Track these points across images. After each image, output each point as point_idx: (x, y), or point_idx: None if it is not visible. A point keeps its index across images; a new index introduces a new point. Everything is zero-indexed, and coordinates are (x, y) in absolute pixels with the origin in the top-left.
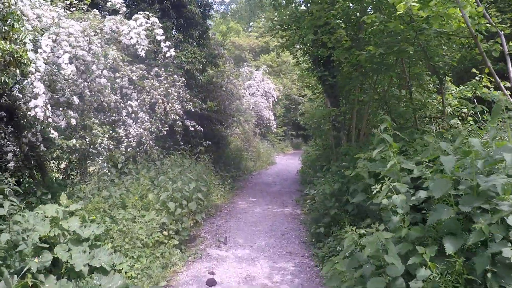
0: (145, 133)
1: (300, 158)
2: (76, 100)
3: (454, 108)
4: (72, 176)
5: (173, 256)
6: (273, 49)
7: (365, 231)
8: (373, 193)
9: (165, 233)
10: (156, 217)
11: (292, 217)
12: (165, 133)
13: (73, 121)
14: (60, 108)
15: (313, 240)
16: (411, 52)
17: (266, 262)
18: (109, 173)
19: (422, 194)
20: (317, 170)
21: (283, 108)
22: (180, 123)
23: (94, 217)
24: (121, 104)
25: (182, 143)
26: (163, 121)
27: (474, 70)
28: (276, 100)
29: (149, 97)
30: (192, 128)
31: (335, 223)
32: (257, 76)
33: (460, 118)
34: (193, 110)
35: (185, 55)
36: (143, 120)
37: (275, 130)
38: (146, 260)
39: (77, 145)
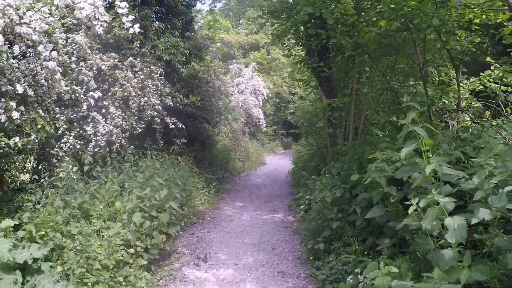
0: (116, 130)
1: (291, 158)
2: (20, 88)
3: (467, 102)
4: (36, 182)
5: (139, 280)
6: (263, 46)
7: (398, 268)
8: (399, 208)
9: (131, 250)
10: (121, 231)
11: (284, 225)
12: (140, 131)
13: (15, 115)
14: (2, 99)
15: (310, 257)
16: (433, 27)
17: (254, 286)
18: (74, 177)
19: (484, 214)
20: (311, 171)
21: (273, 106)
22: (159, 120)
23: (44, 233)
24: (81, 96)
25: (162, 143)
26: (137, 117)
27: (488, 59)
28: (266, 98)
29: (121, 89)
30: (173, 126)
31: (337, 238)
32: (247, 73)
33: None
34: (172, 105)
35: (164, 44)
36: (113, 115)
37: (265, 129)
38: (104, 287)
39: (19, 144)
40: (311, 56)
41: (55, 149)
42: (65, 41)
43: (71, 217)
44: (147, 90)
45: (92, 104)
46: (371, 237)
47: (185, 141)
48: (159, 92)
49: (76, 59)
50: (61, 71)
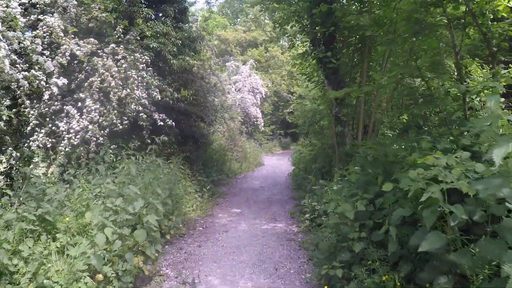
0: (91, 126)
1: (290, 159)
2: None
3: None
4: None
5: None
6: (261, 44)
7: None
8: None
9: (99, 277)
10: (89, 251)
11: (287, 237)
12: (122, 128)
13: None
14: None
15: (325, 286)
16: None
17: None
18: (43, 180)
19: None
20: (315, 174)
21: (271, 105)
22: (145, 116)
23: None
24: (42, 83)
25: (149, 141)
26: (118, 112)
27: None
28: (264, 96)
29: (99, 79)
30: (162, 123)
31: (358, 262)
32: (244, 71)
33: None
34: (160, 99)
35: (151, 30)
36: (89, 109)
37: (263, 128)
38: None
39: None
40: (317, 46)
41: (24, 147)
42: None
43: (29, 233)
44: (130, 81)
45: (56, 93)
46: (406, 264)
47: (166, 138)
48: (145, 84)
49: (47, 43)
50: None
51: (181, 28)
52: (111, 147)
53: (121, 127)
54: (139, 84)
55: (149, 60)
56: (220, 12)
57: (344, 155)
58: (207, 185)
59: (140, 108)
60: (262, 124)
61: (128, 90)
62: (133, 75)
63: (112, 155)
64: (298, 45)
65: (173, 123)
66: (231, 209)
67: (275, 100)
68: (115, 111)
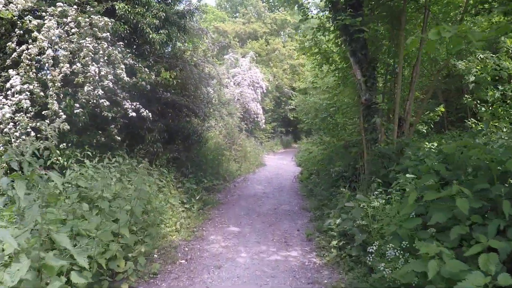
0: (18, 116)
1: (294, 158)
2: None
3: None
4: None
5: None
6: (262, 36)
7: None
8: None
9: None
10: None
11: (307, 277)
12: (81, 118)
13: None
14: None
15: None
16: None
17: None
18: None
19: None
20: (335, 180)
21: (272, 101)
22: (107, 103)
23: None
24: None
25: (119, 139)
26: (62, 96)
27: None
28: (265, 91)
29: (33, 47)
30: (133, 114)
31: None
32: (244, 64)
33: None
34: (128, 80)
35: None
36: (15, 91)
37: (264, 126)
38: None
39: None
40: (340, 11)
41: None
42: None
43: None
44: (83, 53)
45: None
46: None
47: (118, 140)
48: (106, 58)
49: None
50: None
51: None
52: (61, 146)
53: (64, 116)
54: (102, 59)
55: (110, 23)
56: (219, 6)
57: (377, 156)
58: (198, 192)
59: (101, 93)
60: (263, 121)
61: (79, 65)
62: (87, 44)
63: (60, 158)
64: (312, 16)
65: (150, 114)
66: (227, 227)
67: (276, 95)
68: (54, 94)
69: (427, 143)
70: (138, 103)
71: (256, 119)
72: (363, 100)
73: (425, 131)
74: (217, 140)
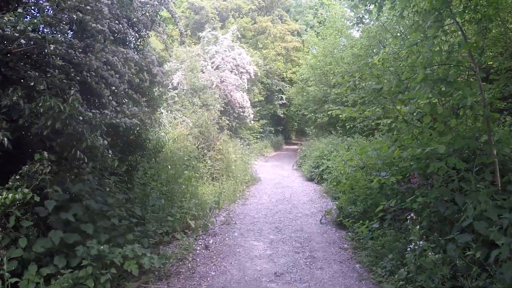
0: None
1: (295, 166)
2: None
3: None
4: None
5: None
6: (247, 14)
7: None
8: None
9: None
10: None
11: None
12: None
13: None
14: None
15: None
16: None
17: None
18: None
19: None
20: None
21: (263, 92)
22: None
23: None
24: None
25: None
26: None
27: None
28: (253, 77)
29: None
30: None
31: None
32: (225, 42)
33: None
34: None
35: None
36: None
37: (252, 123)
38: None
39: None
40: None
41: None
42: None
43: None
44: None
45: None
46: None
47: None
48: None
49: None
50: None
51: None
52: None
53: None
54: None
55: None
56: None
57: None
58: None
59: None
60: (252, 116)
61: None
62: None
63: None
64: None
65: None
66: None
67: (268, 83)
68: None
69: None
70: None
71: (242, 113)
72: None
73: None
74: (183, 144)
